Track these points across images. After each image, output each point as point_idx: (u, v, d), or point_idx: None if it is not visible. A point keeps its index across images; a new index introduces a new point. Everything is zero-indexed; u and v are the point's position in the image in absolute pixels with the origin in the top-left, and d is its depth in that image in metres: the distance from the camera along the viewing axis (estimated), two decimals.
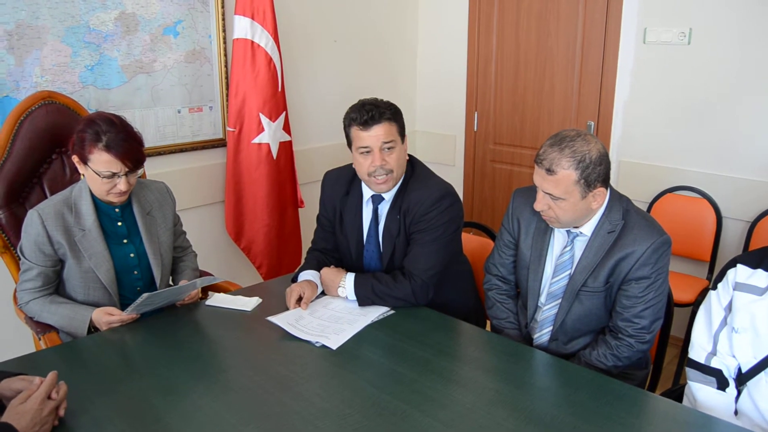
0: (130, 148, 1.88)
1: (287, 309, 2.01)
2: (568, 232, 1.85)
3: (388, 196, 2.12)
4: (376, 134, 1.99)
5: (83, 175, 1.94)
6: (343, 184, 2.20)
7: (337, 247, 2.29)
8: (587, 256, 1.81)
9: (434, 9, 4.17)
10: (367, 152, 2.01)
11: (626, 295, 1.78)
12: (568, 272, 1.85)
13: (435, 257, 2.05)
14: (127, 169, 1.89)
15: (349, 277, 2.07)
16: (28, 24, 2.53)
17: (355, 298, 2.04)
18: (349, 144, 2.09)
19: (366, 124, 1.99)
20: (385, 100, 2.06)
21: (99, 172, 1.87)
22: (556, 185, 1.71)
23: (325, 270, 2.14)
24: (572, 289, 1.84)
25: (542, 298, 1.92)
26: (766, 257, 1.61)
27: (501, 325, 2.04)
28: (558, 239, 1.89)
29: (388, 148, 2.01)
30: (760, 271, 1.61)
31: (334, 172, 2.27)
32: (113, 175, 1.88)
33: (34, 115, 2.26)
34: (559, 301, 1.88)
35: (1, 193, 2.21)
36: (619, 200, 1.82)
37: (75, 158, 1.92)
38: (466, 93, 4.11)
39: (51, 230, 1.91)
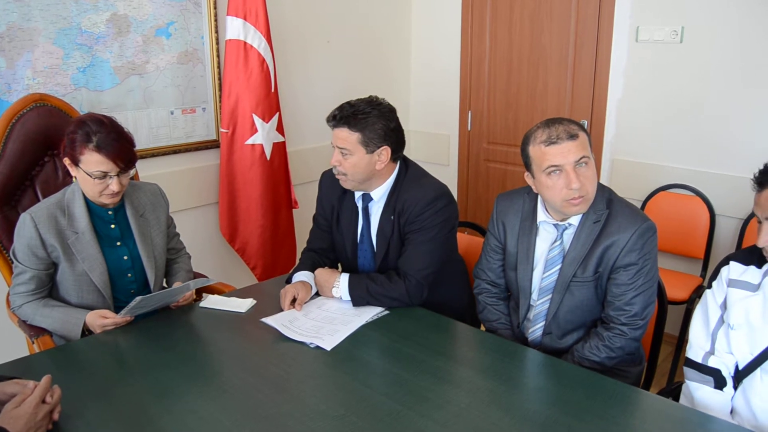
0: (121, 148, 1.88)
1: (281, 310, 2.01)
2: (556, 226, 1.86)
3: (377, 196, 2.13)
4: (335, 135, 2.06)
5: (75, 177, 1.93)
6: (339, 184, 2.20)
7: (333, 246, 2.29)
8: (575, 248, 1.83)
9: (427, 8, 4.17)
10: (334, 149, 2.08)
11: (616, 284, 1.79)
12: (558, 266, 1.86)
13: (429, 257, 2.06)
14: (118, 169, 1.88)
15: (344, 278, 2.07)
16: (19, 26, 2.51)
17: (349, 298, 2.04)
18: None
19: (333, 124, 2.05)
20: (363, 101, 2.06)
21: (90, 173, 1.86)
22: (583, 146, 1.74)
23: (319, 270, 2.15)
24: (563, 281, 1.85)
25: (534, 295, 1.93)
26: (756, 255, 1.62)
27: (493, 327, 2.04)
28: (543, 237, 1.90)
29: (343, 154, 2.04)
30: (752, 267, 1.62)
31: (331, 172, 2.26)
32: (105, 175, 1.88)
33: (26, 118, 2.25)
34: (551, 295, 1.88)
35: None
36: (601, 190, 1.84)
37: (66, 160, 1.91)
38: (460, 92, 4.11)
39: (44, 233, 1.91)
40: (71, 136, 1.87)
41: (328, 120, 2.06)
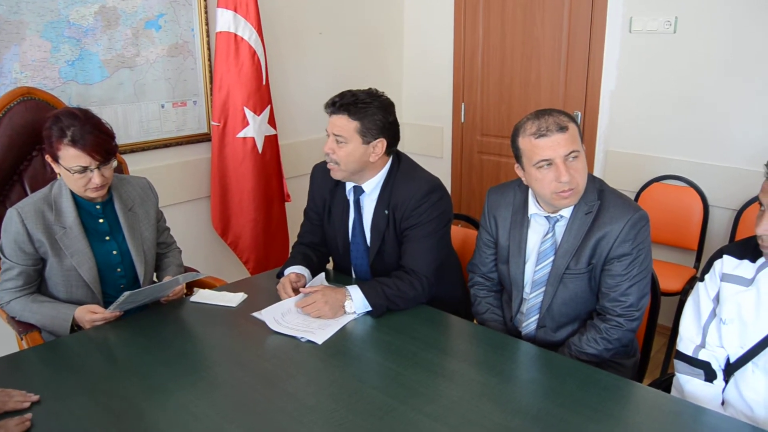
0: (96, 140, 1.84)
1: (272, 304, 1.98)
2: (548, 218, 1.85)
3: (369, 189, 2.10)
4: (332, 122, 2.02)
5: (59, 174, 1.91)
6: (331, 177, 2.18)
7: (324, 240, 2.27)
8: (567, 240, 1.82)
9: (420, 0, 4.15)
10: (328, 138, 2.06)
11: (610, 275, 1.79)
12: (551, 259, 1.85)
13: (432, 252, 2.04)
14: (97, 162, 1.86)
15: (354, 290, 1.94)
16: (6, 19, 2.48)
17: (364, 311, 1.93)
18: None
19: (332, 110, 2.03)
20: (364, 92, 2.04)
21: (69, 168, 1.84)
22: (573, 139, 1.72)
23: (321, 292, 1.95)
24: (556, 273, 1.84)
25: (527, 288, 1.92)
26: (750, 248, 1.60)
27: (484, 319, 2.03)
28: (535, 229, 1.89)
29: (338, 142, 2.01)
30: (746, 261, 1.60)
31: (323, 164, 2.23)
32: (84, 169, 1.85)
33: (13, 112, 2.23)
34: (544, 288, 1.87)
35: None
36: (592, 181, 1.83)
37: (48, 158, 1.89)
38: (453, 84, 4.09)
39: (31, 229, 1.88)
40: (47, 133, 1.85)
41: (327, 106, 2.03)
